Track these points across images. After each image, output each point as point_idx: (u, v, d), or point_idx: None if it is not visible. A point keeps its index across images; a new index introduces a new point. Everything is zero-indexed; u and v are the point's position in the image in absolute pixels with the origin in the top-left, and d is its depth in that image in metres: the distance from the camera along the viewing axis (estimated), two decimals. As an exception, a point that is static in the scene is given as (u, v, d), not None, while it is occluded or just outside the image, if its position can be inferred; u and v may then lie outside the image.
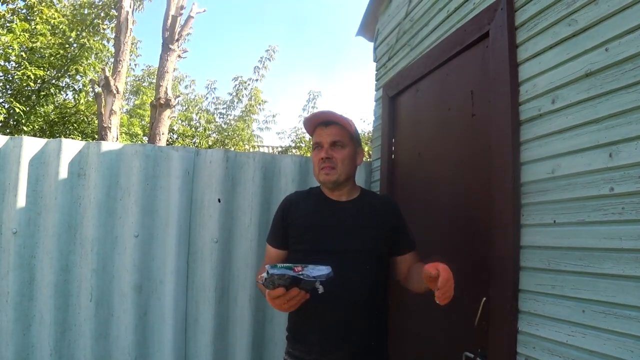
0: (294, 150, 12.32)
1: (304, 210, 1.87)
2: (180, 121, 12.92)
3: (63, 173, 2.75)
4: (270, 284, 1.40)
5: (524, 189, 1.61)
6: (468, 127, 2.02)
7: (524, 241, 1.59)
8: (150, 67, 13.63)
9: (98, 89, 6.93)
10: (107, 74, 6.66)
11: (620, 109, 1.27)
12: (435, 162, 2.30)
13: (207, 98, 13.19)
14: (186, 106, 13.43)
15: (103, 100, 6.60)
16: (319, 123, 1.87)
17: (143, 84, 13.86)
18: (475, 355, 1.78)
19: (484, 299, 1.67)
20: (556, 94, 1.50)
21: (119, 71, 6.95)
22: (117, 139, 6.74)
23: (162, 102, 7.27)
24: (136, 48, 12.89)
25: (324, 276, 1.42)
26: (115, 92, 6.61)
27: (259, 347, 3.03)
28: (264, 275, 1.39)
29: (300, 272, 1.40)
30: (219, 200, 2.96)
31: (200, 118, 12.77)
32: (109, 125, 6.41)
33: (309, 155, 10.40)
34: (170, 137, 12.68)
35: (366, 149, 10.28)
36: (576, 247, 1.39)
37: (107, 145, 2.87)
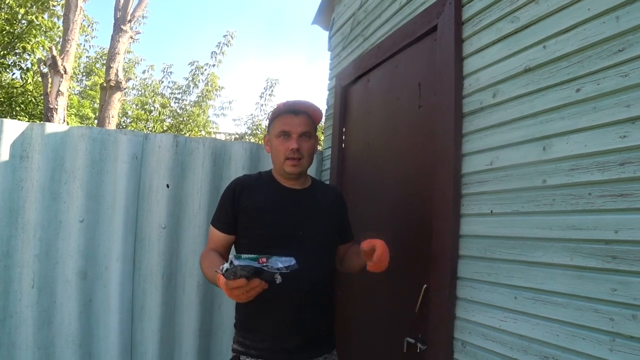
0: (250, 138, 12.21)
1: (257, 196, 1.81)
2: (134, 105, 12.59)
3: (4, 155, 2.64)
4: (232, 275, 1.34)
5: (465, 179, 1.66)
6: (415, 118, 2.06)
7: (463, 230, 1.65)
8: (104, 48, 13.19)
9: (45, 69, 6.66)
10: (55, 53, 6.40)
11: (555, 105, 1.33)
12: (383, 152, 2.34)
13: (162, 82, 12.90)
14: (142, 90, 13.09)
15: (50, 81, 6.35)
16: (288, 111, 1.79)
17: (96, 65, 13.41)
18: (415, 340, 1.83)
19: (425, 286, 1.72)
20: (497, 88, 1.55)
21: (67, 51, 6.68)
22: (64, 120, 6.50)
23: (112, 84, 7.05)
24: (92, 29, 12.47)
25: (289, 267, 1.39)
26: (62, 72, 6.35)
27: (206, 335, 3.01)
28: (226, 265, 1.33)
29: (264, 264, 1.36)
30: (168, 186, 2.91)
31: (154, 102, 12.48)
32: (56, 107, 6.17)
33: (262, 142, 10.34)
34: (124, 122, 12.36)
35: (322, 138, 10.33)
36: (510, 236, 1.45)
37: (52, 127, 2.77)
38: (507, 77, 1.51)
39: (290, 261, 1.40)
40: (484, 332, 1.51)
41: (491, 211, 1.52)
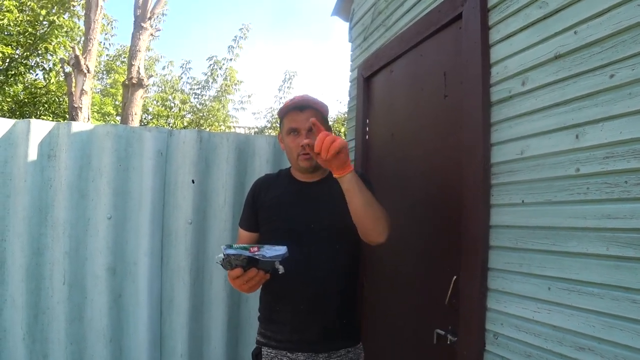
0: (269, 131, 12.24)
1: (273, 192, 1.87)
2: (155, 102, 12.71)
3: (32, 154, 2.70)
4: (228, 265, 1.40)
5: (494, 169, 1.64)
6: (440, 108, 2.03)
7: (494, 221, 1.62)
8: (124, 46, 13.33)
9: (68, 69, 6.75)
10: (78, 52, 6.48)
11: (587, 92, 1.30)
12: (408, 142, 2.32)
13: (181, 78, 12.99)
14: (163, 87, 13.21)
15: (73, 80, 6.44)
16: (293, 107, 1.82)
17: (116, 63, 13.56)
18: (446, 332, 1.82)
19: (455, 277, 1.71)
20: (526, 76, 1.52)
21: (90, 50, 6.77)
22: (88, 119, 6.61)
23: (134, 81, 7.13)
24: (112, 27, 12.60)
25: (280, 257, 1.42)
26: (86, 71, 6.45)
27: (234, 328, 3.05)
28: (220, 255, 1.39)
29: (255, 253, 1.40)
30: (193, 182, 2.94)
31: (174, 98, 12.58)
32: (80, 106, 6.27)
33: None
34: (145, 118, 12.49)
35: (342, 130, 10.28)
36: (543, 226, 1.42)
37: (77, 126, 2.82)
38: (536, 64, 1.48)
39: (281, 250, 1.43)
40: (516, 324, 1.49)
41: (522, 201, 1.50)
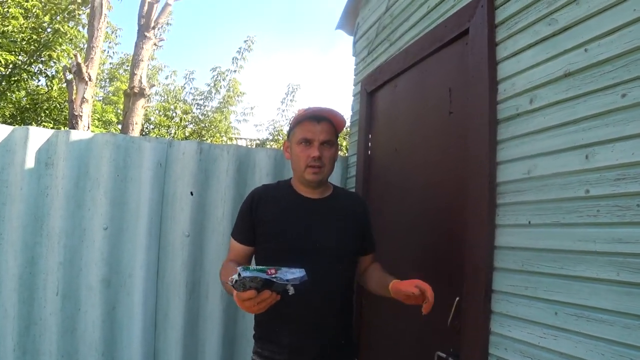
0: (271, 144, 12.22)
1: (275, 207, 1.80)
2: (157, 111, 12.71)
3: (30, 162, 2.66)
4: (241, 287, 1.34)
5: (500, 188, 1.60)
6: (445, 125, 2.00)
7: (499, 241, 1.58)
8: (128, 54, 13.36)
9: (70, 76, 6.75)
10: (79, 60, 6.47)
11: (598, 111, 1.26)
12: (411, 158, 2.28)
13: (184, 88, 13.00)
14: (165, 96, 13.22)
15: (74, 88, 6.42)
16: (310, 117, 1.77)
17: (119, 72, 13.59)
18: (447, 355, 1.77)
19: (457, 298, 1.66)
20: (534, 94, 1.48)
21: (92, 58, 6.76)
22: (88, 127, 6.58)
23: (136, 90, 7.11)
24: (116, 36, 12.64)
25: (298, 279, 1.38)
26: (87, 79, 6.43)
27: (230, 343, 2.99)
28: (235, 277, 1.33)
29: (273, 275, 1.35)
30: (192, 194, 2.90)
31: (176, 108, 12.58)
32: (80, 114, 6.24)
33: (286, 148, 10.28)
34: (147, 127, 12.48)
35: (344, 143, 10.27)
36: (550, 248, 1.38)
37: (76, 134, 2.79)
38: (545, 82, 1.44)
39: (300, 272, 1.39)
40: (521, 349, 1.44)
41: (529, 222, 1.46)
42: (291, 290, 1.39)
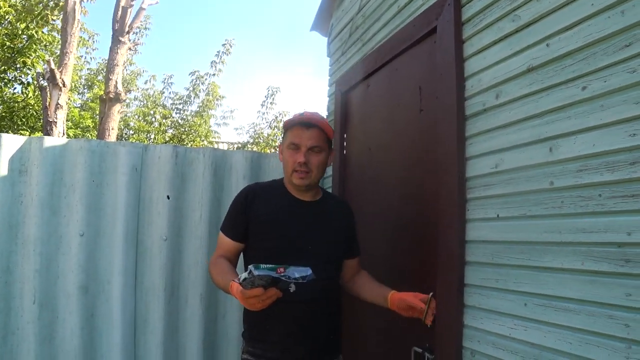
0: (252, 147, 12.19)
1: (268, 206, 1.83)
2: (136, 117, 12.59)
3: (3, 170, 2.62)
4: (250, 284, 1.38)
5: (469, 183, 1.62)
6: (416, 123, 2.02)
7: (469, 236, 1.60)
8: (105, 60, 13.22)
9: (44, 82, 6.66)
10: (53, 66, 6.39)
11: (560, 104, 1.29)
12: (385, 157, 2.30)
13: (163, 93, 12.90)
14: (145, 101, 13.10)
15: (48, 94, 6.34)
16: (300, 123, 1.82)
17: (98, 78, 13.44)
18: (423, 350, 1.78)
19: (431, 293, 1.67)
20: (500, 89, 1.51)
21: (66, 64, 6.67)
22: (63, 134, 6.49)
23: (111, 95, 7.05)
24: (93, 42, 12.51)
25: (307, 278, 1.42)
26: (61, 85, 6.35)
27: (211, 345, 2.97)
28: (244, 275, 1.36)
29: (282, 274, 1.39)
30: (168, 197, 2.88)
31: (155, 113, 12.48)
32: (55, 120, 6.16)
33: (267, 151, 10.29)
34: (126, 133, 12.36)
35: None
36: (518, 241, 1.40)
37: (50, 141, 2.75)
38: (510, 77, 1.47)
39: (307, 271, 1.43)
40: (493, 341, 1.46)
41: (497, 215, 1.48)
42: (292, 288, 1.44)
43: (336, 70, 3.07)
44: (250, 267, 1.36)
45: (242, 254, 1.90)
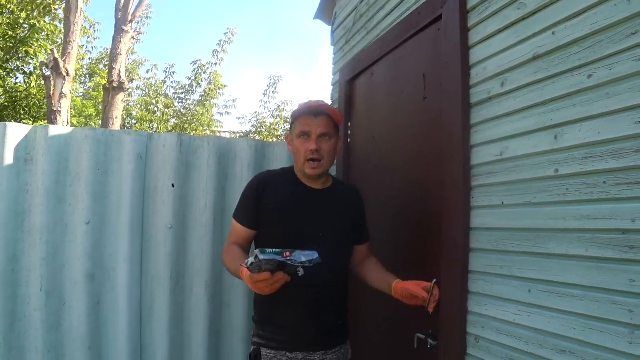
0: (254, 136, 12.18)
1: (280, 194, 1.86)
2: (139, 106, 12.59)
3: (8, 159, 2.63)
4: (257, 268, 1.40)
5: (474, 171, 1.63)
6: (420, 111, 2.02)
7: (474, 223, 1.61)
8: (107, 49, 13.19)
9: (48, 72, 6.65)
10: (57, 55, 6.39)
11: (566, 92, 1.29)
12: (389, 145, 2.31)
13: (165, 82, 12.88)
14: (147, 91, 13.09)
15: (52, 83, 6.34)
16: (308, 112, 1.84)
17: (99, 67, 13.42)
18: (426, 336, 1.80)
19: (434, 280, 1.69)
20: (505, 77, 1.51)
21: (69, 53, 6.67)
22: (67, 123, 6.50)
23: (115, 85, 7.04)
24: (94, 31, 12.48)
25: (313, 262, 1.44)
26: (65, 74, 6.35)
27: (216, 334, 3.00)
28: (251, 259, 1.39)
29: (288, 258, 1.41)
30: (173, 186, 2.89)
31: (158, 103, 12.47)
32: (59, 109, 6.17)
33: (270, 140, 10.28)
34: (129, 123, 12.37)
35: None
36: (523, 228, 1.41)
37: (55, 130, 2.76)
38: (515, 65, 1.47)
39: (313, 255, 1.45)
40: (497, 327, 1.48)
41: (502, 203, 1.49)
42: (301, 272, 1.46)
43: (340, 58, 3.06)
44: (256, 251, 1.38)
45: (253, 241, 1.93)
